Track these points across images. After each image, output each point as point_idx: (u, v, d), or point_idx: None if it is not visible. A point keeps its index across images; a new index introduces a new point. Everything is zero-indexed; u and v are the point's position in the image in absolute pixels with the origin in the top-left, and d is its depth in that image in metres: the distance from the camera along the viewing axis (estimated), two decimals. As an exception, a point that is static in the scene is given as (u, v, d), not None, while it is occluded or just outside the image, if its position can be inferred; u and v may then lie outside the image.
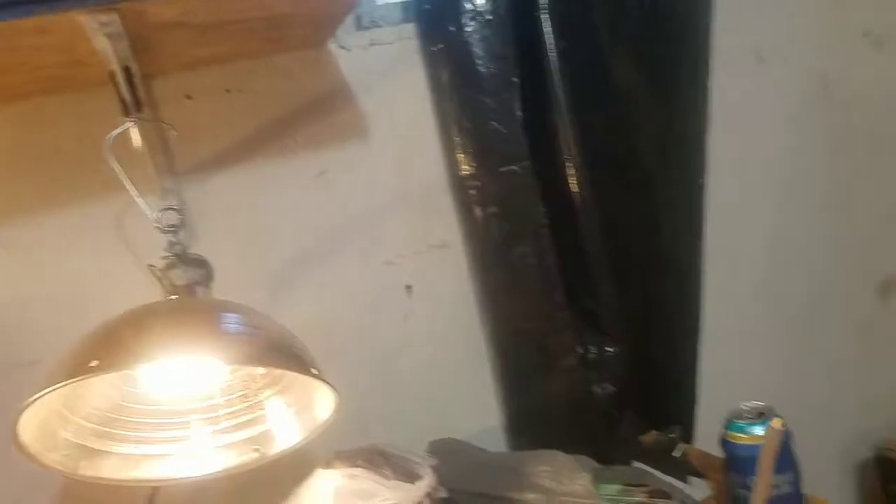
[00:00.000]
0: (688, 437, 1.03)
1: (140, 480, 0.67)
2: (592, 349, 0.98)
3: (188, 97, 0.90)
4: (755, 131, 1.18)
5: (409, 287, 0.99)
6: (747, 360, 1.19)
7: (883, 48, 1.26)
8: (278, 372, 0.68)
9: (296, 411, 0.68)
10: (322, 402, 0.66)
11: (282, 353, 0.61)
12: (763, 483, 0.63)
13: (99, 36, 0.63)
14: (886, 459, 1.24)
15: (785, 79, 1.20)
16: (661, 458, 0.95)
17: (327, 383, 0.62)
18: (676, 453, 0.97)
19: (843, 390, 1.26)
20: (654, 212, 1.03)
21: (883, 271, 1.31)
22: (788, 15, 1.20)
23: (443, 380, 1.00)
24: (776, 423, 0.56)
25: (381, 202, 0.99)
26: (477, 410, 1.03)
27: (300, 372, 0.60)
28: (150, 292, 0.79)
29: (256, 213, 0.94)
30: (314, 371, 0.62)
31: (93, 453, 0.64)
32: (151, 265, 0.73)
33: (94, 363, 0.53)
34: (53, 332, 0.76)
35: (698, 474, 0.95)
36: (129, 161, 0.73)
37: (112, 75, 0.70)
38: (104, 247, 0.86)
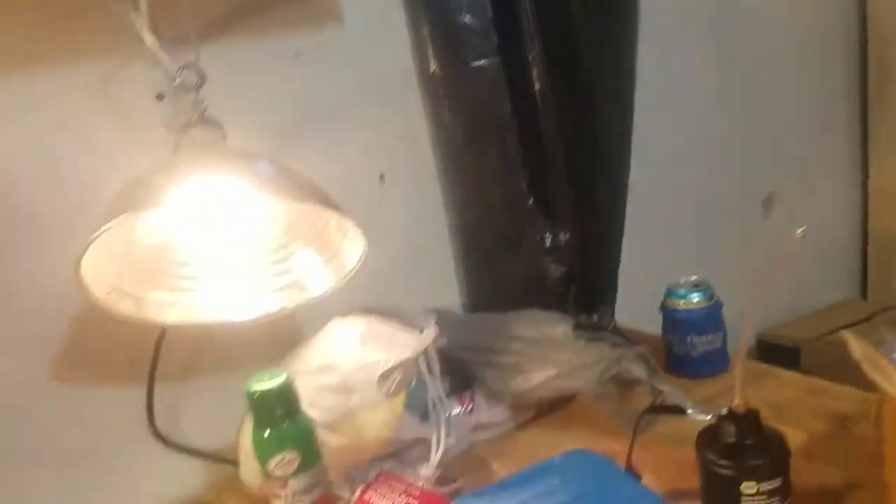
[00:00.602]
0: (612, 317, 1.17)
1: (172, 323, 0.69)
2: (548, 235, 1.07)
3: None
4: (672, 47, 1.31)
5: (381, 176, 1.03)
6: (656, 259, 1.34)
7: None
8: (306, 222, 0.71)
9: (324, 261, 0.72)
10: (349, 252, 0.70)
11: (322, 197, 0.64)
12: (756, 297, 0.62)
13: None
14: (766, 343, 1.48)
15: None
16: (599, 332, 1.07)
17: (359, 228, 0.67)
18: (610, 327, 1.11)
19: (731, 288, 1.46)
20: (596, 115, 1.12)
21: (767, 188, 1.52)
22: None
23: (410, 263, 1.06)
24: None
25: (356, 92, 1.01)
26: (441, 290, 1.10)
27: (340, 213, 0.64)
28: (140, 154, 0.78)
29: (232, 90, 0.92)
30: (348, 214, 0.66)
31: (131, 296, 0.65)
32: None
33: (159, 196, 0.54)
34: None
35: (632, 341, 1.09)
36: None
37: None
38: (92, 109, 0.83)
